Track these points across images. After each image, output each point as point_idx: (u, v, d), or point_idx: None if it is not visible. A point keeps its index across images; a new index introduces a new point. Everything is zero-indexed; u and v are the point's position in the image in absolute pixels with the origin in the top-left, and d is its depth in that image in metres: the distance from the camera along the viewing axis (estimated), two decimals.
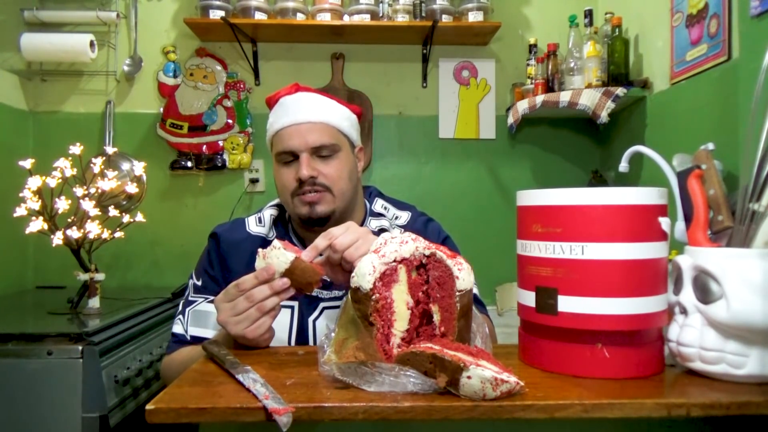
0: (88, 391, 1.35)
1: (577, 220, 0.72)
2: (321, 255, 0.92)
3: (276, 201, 1.22)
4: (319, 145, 1.09)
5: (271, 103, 1.17)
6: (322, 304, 1.10)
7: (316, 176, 1.08)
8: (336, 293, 1.10)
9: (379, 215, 1.20)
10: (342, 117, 1.14)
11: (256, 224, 1.17)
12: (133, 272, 2.34)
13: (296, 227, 1.17)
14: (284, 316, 1.08)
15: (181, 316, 1.11)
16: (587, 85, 1.97)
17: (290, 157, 1.10)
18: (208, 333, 1.06)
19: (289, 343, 1.08)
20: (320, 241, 0.90)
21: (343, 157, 1.12)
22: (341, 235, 0.90)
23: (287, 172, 1.10)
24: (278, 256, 0.85)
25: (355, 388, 0.67)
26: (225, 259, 1.13)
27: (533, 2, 2.43)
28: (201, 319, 1.08)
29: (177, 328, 1.10)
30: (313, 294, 1.09)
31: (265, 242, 1.14)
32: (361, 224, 1.18)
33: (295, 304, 1.09)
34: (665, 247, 0.74)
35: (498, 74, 2.43)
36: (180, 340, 1.09)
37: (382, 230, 1.17)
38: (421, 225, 1.18)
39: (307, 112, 1.10)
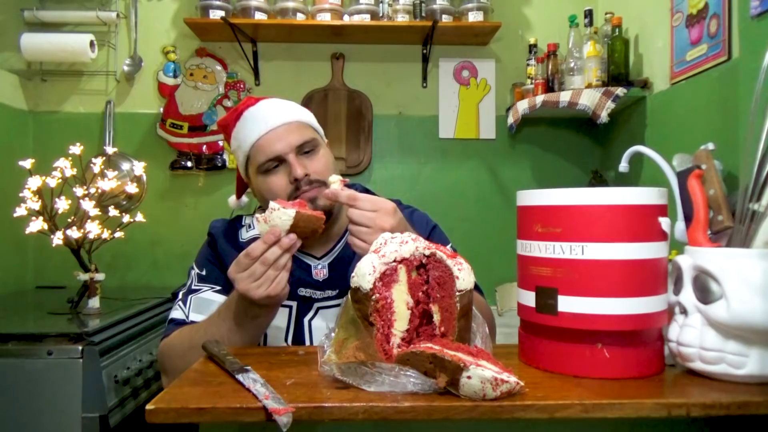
0: (88, 391, 1.35)
1: (577, 220, 0.72)
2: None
3: (260, 206, 1.21)
4: (302, 142, 1.09)
5: (228, 123, 1.15)
6: (316, 305, 1.10)
7: (309, 174, 1.08)
8: (330, 293, 1.10)
9: None
10: (308, 115, 1.16)
11: (247, 230, 1.17)
12: (133, 272, 2.34)
13: None
14: (281, 316, 1.08)
15: (181, 303, 1.10)
16: (587, 85, 1.97)
17: (275, 164, 1.08)
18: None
19: (286, 342, 1.08)
20: (343, 195, 0.96)
21: (323, 150, 1.13)
22: (362, 210, 0.94)
23: (276, 179, 1.08)
24: (280, 216, 0.88)
25: (355, 388, 0.67)
26: (222, 259, 1.13)
27: (533, 2, 2.43)
28: (204, 306, 1.07)
29: (176, 314, 1.09)
30: (307, 294, 1.10)
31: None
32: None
33: (293, 304, 1.09)
34: (665, 247, 0.74)
35: (498, 74, 2.43)
36: (179, 324, 1.07)
37: None
38: (407, 215, 1.18)
39: (278, 115, 1.10)
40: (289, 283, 1.09)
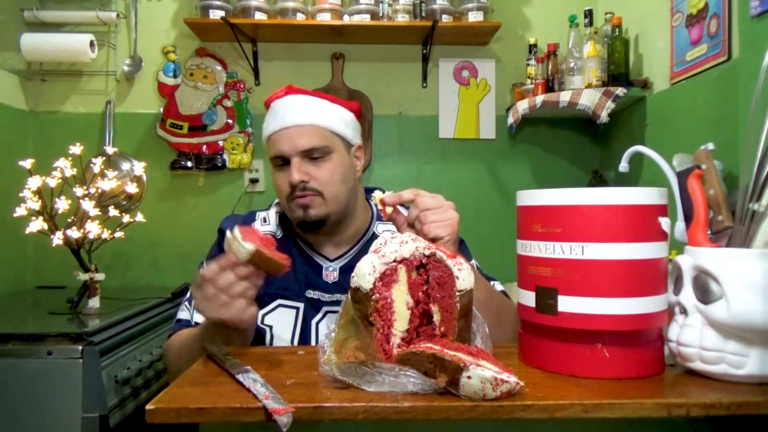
0: (88, 391, 1.35)
1: (577, 220, 0.72)
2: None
3: (276, 202, 1.22)
4: (308, 148, 1.07)
5: (267, 105, 1.16)
6: (325, 308, 1.10)
7: (308, 180, 1.07)
8: (339, 297, 1.10)
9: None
10: (334, 117, 1.12)
11: (262, 224, 1.17)
12: (133, 272, 2.34)
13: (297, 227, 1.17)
14: (288, 316, 1.08)
15: (187, 303, 1.10)
16: (587, 85, 1.97)
17: (281, 161, 1.09)
18: None
19: (292, 343, 1.08)
20: (407, 193, 0.95)
21: (336, 158, 1.10)
22: (427, 196, 0.94)
23: (281, 177, 1.10)
24: (238, 248, 0.83)
25: (355, 388, 0.67)
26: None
27: (533, 2, 2.43)
28: None
29: (183, 314, 1.09)
30: (315, 297, 1.10)
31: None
32: (368, 228, 1.18)
33: (301, 305, 1.09)
34: (665, 247, 0.74)
35: (498, 74, 2.43)
36: (184, 326, 1.08)
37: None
38: None
39: (296, 115, 1.09)
40: (298, 284, 1.10)
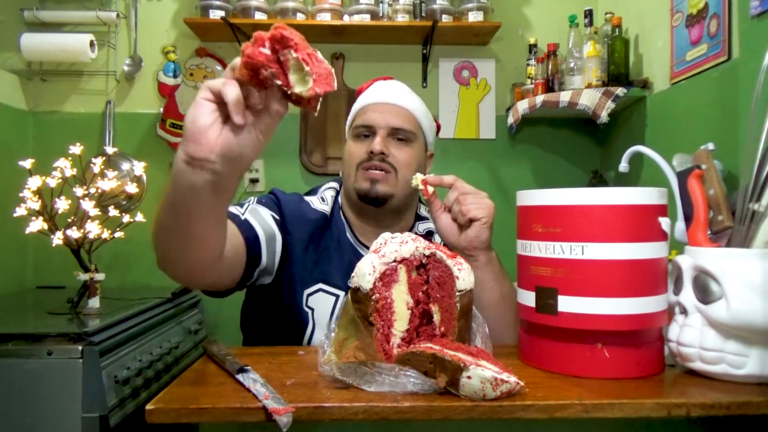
0: (88, 391, 1.35)
1: (577, 220, 0.72)
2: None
3: (331, 183, 1.23)
4: (399, 126, 1.12)
5: (363, 88, 1.21)
6: None
7: (388, 155, 1.10)
8: None
9: (425, 218, 1.23)
10: (426, 116, 1.19)
11: (320, 202, 1.18)
12: (133, 272, 2.34)
13: (347, 210, 1.18)
14: (328, 302, 1.10)
15: (239, 206, 1.08)
16: (587, 85, 1.97)
17: (367, 132, 1.13)
18: (257, 226, 1.04)
19: (329, 325, 1.08)
20: (447, 177, 0.99)
21: (417, 148, 1.15)
22: (466, 183, 0.99)
23: (359, 146, 1.12)
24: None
25: (355, 388, 0.67)
26: (286, 221, 1.11)
27: (533, 2, 2.43)
28: (257, 214, 1.07)
29: (232, 209, 1.06)
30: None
31: (326, 220, 1.15)
32: (411, 227, 1.21)
33: (341, 293, 1.11)
34: (665, 247, 0.74)
35: (498, 74, 2.43)
36: (231, 215, 1.02)
37: (429, 233, 1.19)
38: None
39: (397, 96, 1.16)
40: (341, 272, 1.11)
